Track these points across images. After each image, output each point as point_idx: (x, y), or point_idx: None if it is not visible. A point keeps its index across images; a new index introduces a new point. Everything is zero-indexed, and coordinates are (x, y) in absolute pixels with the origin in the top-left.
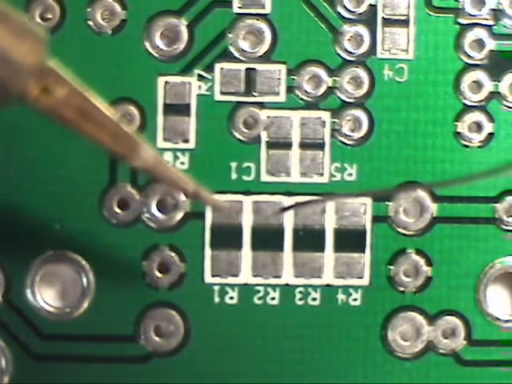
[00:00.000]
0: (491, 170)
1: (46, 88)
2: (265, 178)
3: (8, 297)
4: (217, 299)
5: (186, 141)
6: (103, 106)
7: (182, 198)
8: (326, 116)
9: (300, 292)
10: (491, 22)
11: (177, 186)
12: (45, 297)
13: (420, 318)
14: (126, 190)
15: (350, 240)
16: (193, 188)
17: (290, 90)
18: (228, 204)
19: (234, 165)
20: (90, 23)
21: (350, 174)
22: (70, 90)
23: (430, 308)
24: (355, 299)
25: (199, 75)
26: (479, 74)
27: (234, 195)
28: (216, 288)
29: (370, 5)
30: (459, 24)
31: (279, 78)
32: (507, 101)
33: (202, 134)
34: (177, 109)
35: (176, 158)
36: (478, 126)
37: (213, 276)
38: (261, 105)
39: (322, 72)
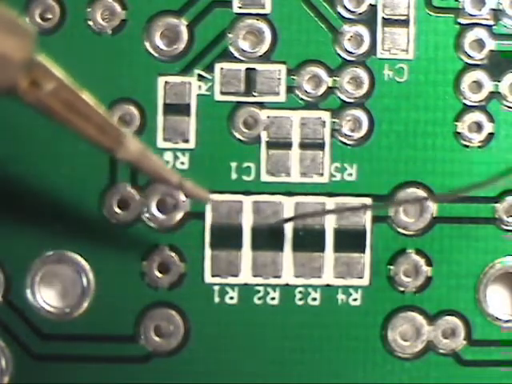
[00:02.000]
0: (495, 177)
1: (34, 81)
2: (265, 178)
3: (8, 297)
4: (217, 299)
5: (186, 141)
6: (90, 99)
7: (182, 197)
8: (326, 116)
9: (300, 292)
10: (491, 22)
11: (161, 178)
12: (45, 297)
13: (420, 318)
14: (126, 190)
15: (350, 240)
16: (177, 179)
17: (290, 89)
18: (210, 195)
19: (233, 165)
20: (90, 23)
21: (350, 174)
22: (58, 83)
23: (430, 308)
24: (355, 299)
25: (199, 75)
26: (479, 74)
27: (233, 195)
28: (216, 288)
29: (370, 5)
30: (459, 24)
31: (279, 78)
32: (507, 101)
33: (202, 133)
34: (177, 109)
35: (176, 157)
36: (478, 126)
37: (213, 276)
38: (261, 105)
39: (322, 72)
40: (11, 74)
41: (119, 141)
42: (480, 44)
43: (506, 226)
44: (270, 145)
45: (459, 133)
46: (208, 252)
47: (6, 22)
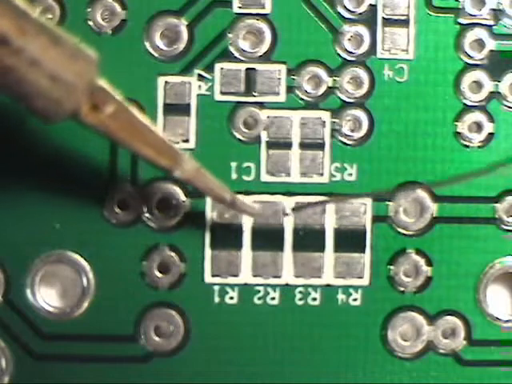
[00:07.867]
0: (490, 167)
1: (95, 105)
2: (265, 178)
3: (8, 297)
4: (217, 299)
5: (186, 141)
6: (149, 122)
7: (182, 197)
8: (325, 116)
9: (300, 292)
10: (491, 22)
11: (215, 196)
12: (45, 297)
13: (420, 318)
14: (126, 190)
15: (349, 240)
16: (229, 197)
17: (290, 89)
18: (261, 211)
19: (233, 165)
20: (90, 23)
21: (350, 174)
22: (118, 106)
23: (430, 308)
24: (355, 299)
25: (199, 75)
26: (479, 74)
27: None
28: (216, 288)
29: (370, 5)
30: (459, 24)
31: (279, 78)
32: (507, 101)
33: (202, 133)
34: (177, 109)
35: None
36: (478, 126)
37: (213, 276)
38: (261, 105)
39: (322, 72)
40: (76, 98)
41: (176, 161)
42: (480, 44)
43: (506, 225)
44: (270, 145)
45: (459, 133)
46: (208, 252)
47: (69, 49)
